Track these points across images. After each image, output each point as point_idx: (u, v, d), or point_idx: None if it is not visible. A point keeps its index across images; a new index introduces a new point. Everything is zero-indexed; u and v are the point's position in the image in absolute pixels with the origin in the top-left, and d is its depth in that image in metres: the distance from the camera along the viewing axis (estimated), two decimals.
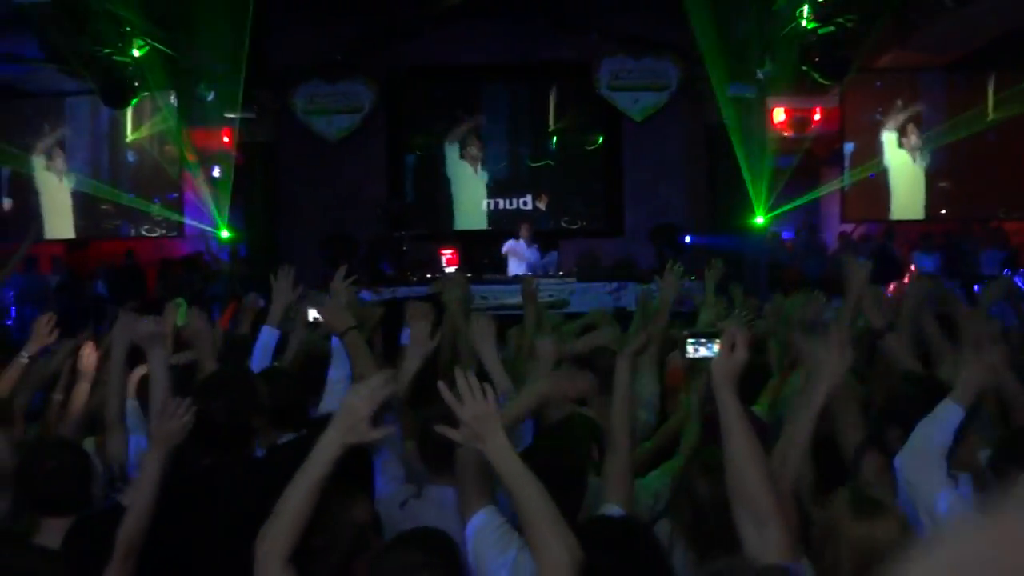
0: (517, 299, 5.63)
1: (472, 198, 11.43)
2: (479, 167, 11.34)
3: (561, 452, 2.17)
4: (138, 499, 2.07)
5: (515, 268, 9.22)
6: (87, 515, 2.22)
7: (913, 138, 11.01)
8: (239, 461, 2.23)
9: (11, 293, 9.39)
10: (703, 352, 1.77)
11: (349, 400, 1.76)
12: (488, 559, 1.86)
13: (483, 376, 2.92)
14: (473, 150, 11.23)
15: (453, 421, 1.78)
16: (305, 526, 1.70)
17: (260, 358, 3.04)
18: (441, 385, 1.81)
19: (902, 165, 11.15)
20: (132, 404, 2.83)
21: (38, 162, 11.16)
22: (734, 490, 1.68)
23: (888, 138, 11.09)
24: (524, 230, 9.44)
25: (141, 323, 2.54)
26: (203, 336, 2.91)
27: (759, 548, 1.63)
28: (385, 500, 2.36)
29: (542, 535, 1.63)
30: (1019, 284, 6.62)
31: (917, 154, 11.08)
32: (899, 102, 11.02)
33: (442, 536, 1.75)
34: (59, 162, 11.15)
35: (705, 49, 9.65)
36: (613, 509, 2.10)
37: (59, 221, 11.21)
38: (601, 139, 11.50)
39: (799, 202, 10.93)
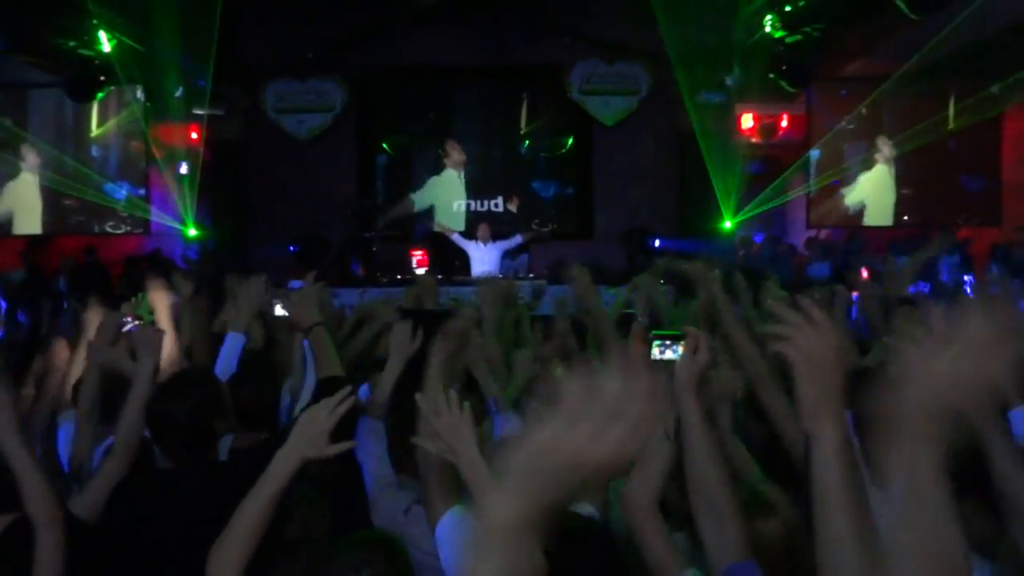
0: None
1: (446, 200, 11.40)
2: (461, 170, 11.26)
3: None
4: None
5: (478, 269, 9.23)
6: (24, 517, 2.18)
7: (885, 149, 11.26)
8: (200, 465, 2.22)
9: None
10: (668, 355, 1.79)
11: (310, 413, 1.77)
12: (460, 559, 1.88)
13: (472, 384, 2.94)
14: (455, 153, 11.17)
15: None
16: (259, 540, 1.68)
17: (225, 363, 3.00)
18: (419, 396, 1.83)
19: (873, 173, 11.41)
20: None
21: (29, 156, 10.94)
22: (696, 491, 1.71)
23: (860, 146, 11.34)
24: (482, 230, 9.47)
25: (143, 330, 2.52)
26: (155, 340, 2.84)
27: (720, 547, 1.67)
28: (383, 509, 2.32)
29: None
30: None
31: (890, 163, 11.35)
32: (863, 110, 11.24)
33: (386, 536, 1.77)
34: (30, 157, 10.93)
35: (675, 55, 9.78)
36: (585, 508, 2.13)
37: (27, 217, 11.00)
38: (572, 142, 11.56)
39: (765, 207, 11.10)
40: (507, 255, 10.07)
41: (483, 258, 9.33)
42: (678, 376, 1.75)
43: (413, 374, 2.79)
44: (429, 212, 10.70)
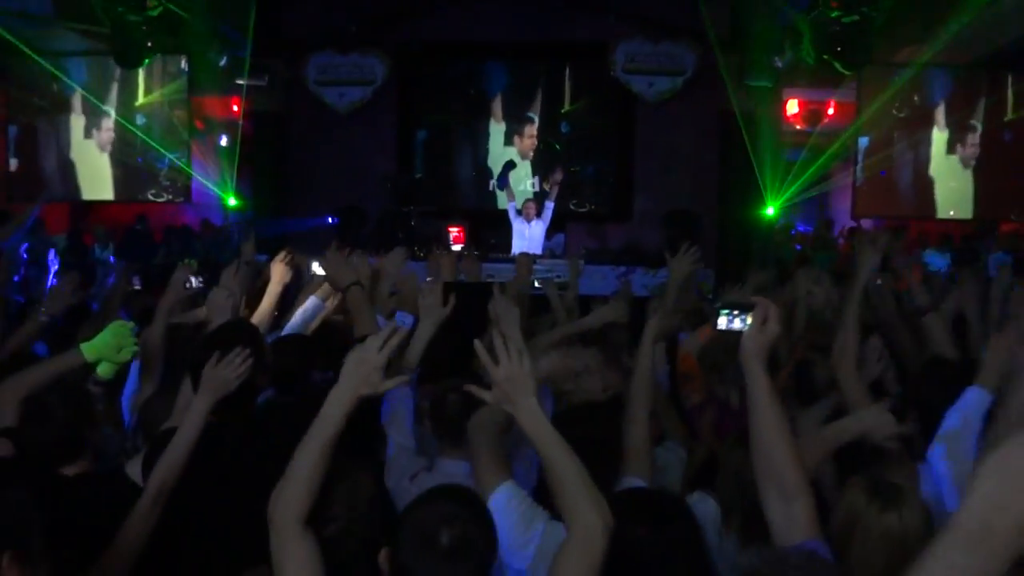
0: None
1: (483, 177, 11.36)
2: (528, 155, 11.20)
3: (592, 422, 2.15)
4: (178, 443, 2.05)
5: (518, 247, 9.23)
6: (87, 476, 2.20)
7: (969, 147, 10.89)
8: (243, 419, 2.20)
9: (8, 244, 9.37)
10: (736, 324, 1.71)
11: (359, 352, 1.72)
12: (515, 534, 1.84)
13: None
14: (529, 140, 11.12)
15: (470, 395, 1.78)
16: (320, 486, 1.65)
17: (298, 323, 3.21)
18: (478, 344, 1.77)
19: (943, 165, 11.05)
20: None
21: (76, 123, 11.08)
22: (761, 466, 1.64)
23: (937, 138, 10.95)
24: (527, 209, 9.45)
25: (216, 292, 2.67)
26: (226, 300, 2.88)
27: (786, 525, 1.60)
28: (395, 472, 2.33)
29: (574, 499, 1.60)
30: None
31: (966, 159, 10.98)
32: (916, 98, 10.91)
33: (469, 490, 1.73)
34: (107, 136, 11.09)
35: (722, 36, 9.57)
36: (634, 481, 2.07)
37: (97, 183, 11.20)
38: (613, 122, 11.41)
39: (809, 194, 10.87)
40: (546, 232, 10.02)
41: (527, 235, 9.34)
42: (745, 346, 1.69)
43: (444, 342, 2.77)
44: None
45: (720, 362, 3.07)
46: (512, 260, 8.32)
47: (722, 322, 1.73)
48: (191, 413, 2.09)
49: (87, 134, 11.18)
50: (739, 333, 1.69)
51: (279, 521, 1.62)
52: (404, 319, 3.04)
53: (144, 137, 10.95)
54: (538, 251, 8.97)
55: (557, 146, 11.40)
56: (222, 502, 2.05)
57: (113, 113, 11.05)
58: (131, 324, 2.60)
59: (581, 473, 1.63)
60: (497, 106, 11.43)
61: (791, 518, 1.59)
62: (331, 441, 1.65)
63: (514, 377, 1.69)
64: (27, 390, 2.32)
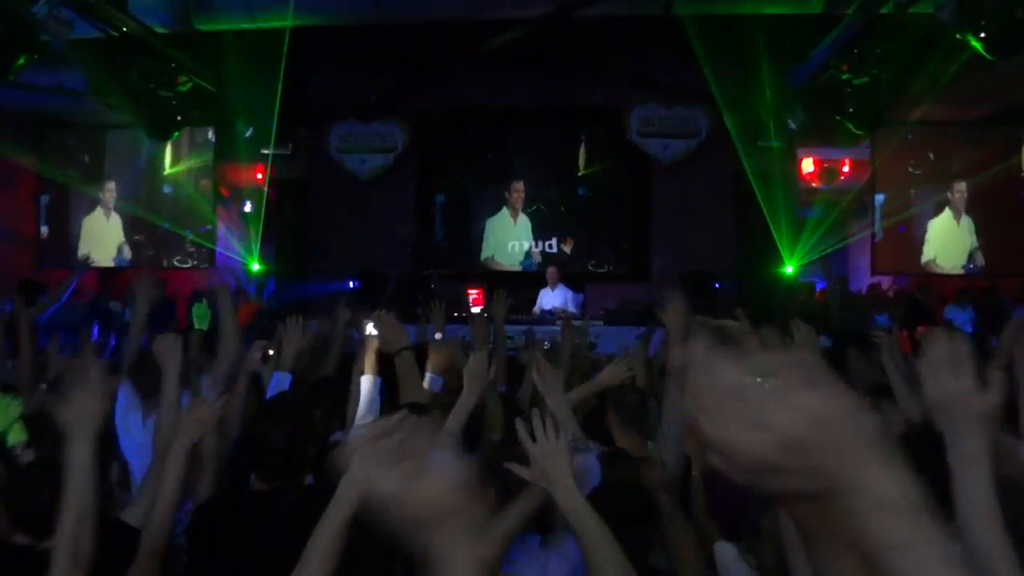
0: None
1: (503, 239, 11.50)
2: (519, 211, 11.41)
3: (630, 491, 2.14)
4: (162, 501, 2.00)
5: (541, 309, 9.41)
6: None
7: (958, 195, 11.00)
8: (294, 489, 2.21)
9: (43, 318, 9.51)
10: None
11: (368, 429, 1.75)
12: None
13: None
14: (516, 194, 11.35)
15: (525, 460, 1.79)
16: (335, 569, 1.63)
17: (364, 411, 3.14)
18: (518, 421, 1.80)
19: (942, 218, 11.13)
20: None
21: (106, 192, 11.42)
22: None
23: (952, 193, 11.07)
24: (550, 275, 9.61)
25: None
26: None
27: None
28: None
29: None
30: None
31: (961, 214, 11.06)
32: (930, 155, 11.02)
33: None
34: (109, 196, 11.41)
35: (734, 99, 9.76)
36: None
37: (123, 250, 11.48)
38: (629, 185, 11.57)
39: (827, 250, 10.89)
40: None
41: (551, 303, 9.50)
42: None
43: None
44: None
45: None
46: (532, 320, 8.42)
47: None
48: (169, 468, 2.04)
49: (115, 204, 11.46)
50: None
51: None
52: (436, 381, 3.05)
53: (170, 206, 11.21)
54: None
55: (562, 208, 11.55)
56: (270, 573, 2.05)
57: (141, 183, 11.35)
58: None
59: (614, 552, 1.64)
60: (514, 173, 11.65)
61: None
62: (344, 524, 1.63)
63: (551, 454, 1.71)
64: None
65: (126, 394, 3.17)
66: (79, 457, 1.77)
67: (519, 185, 11.38)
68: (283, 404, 2.36)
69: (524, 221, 11.45)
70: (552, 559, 1.97)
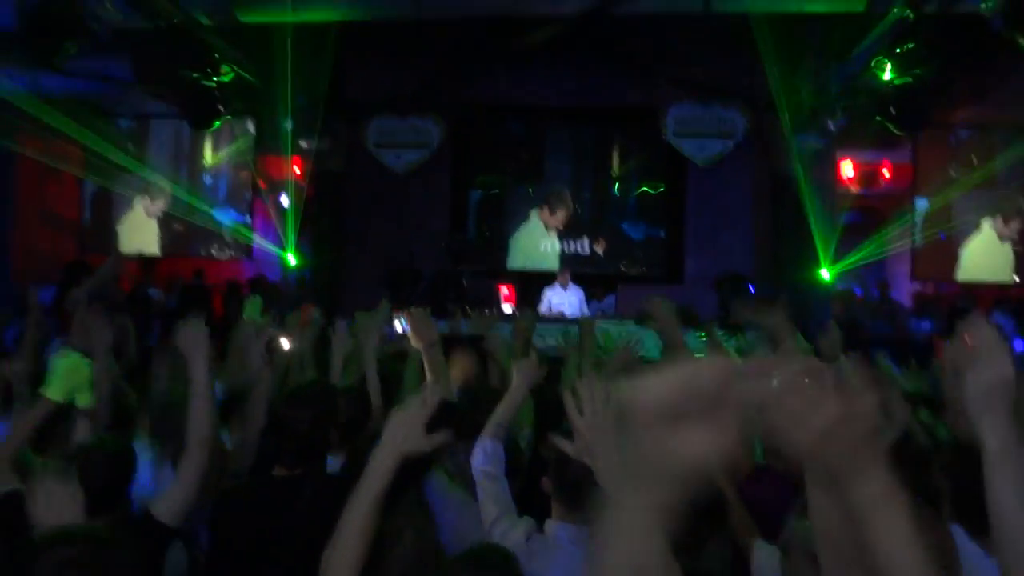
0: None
1: (533, 241, 11.49)
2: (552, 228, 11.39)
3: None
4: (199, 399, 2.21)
5: (558, 310, 9.47)
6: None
7: (1013, 226, 10.70)
8: (315, 474, 2.25)
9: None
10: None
11: (401, 412, 1.76)
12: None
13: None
14: (554, 220, 11.30)
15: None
16: (370, 543, 1.65)
17: None
18: (566, 394, 1.74)
19: (986, 237, 10.86)
20: None
21: (148, 181, 11.62)
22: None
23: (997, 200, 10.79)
24: (561, 276, 9.68)
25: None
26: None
27: None
28: (497, 534, 2.20)
29: None
30: None
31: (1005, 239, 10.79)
32: (974, 159, 10.76)
33: (501, 553, 1.71)
34: (156, 207, 11.64)
35: (776, 98, 9.62)
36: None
37: (163, 239, 11.74)
38: (664, 185, 11.48)
39: (867, 258, 10.69)
40: (593, 296, 10.10)
41: (561, 302, 9.51)
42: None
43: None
44: None
45: None
46: (551, 320, 8.44)
47: None
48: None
49: (157, 192, 11.69)
50: None
51: None
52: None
53: (209, 196, 11.41)
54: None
55: (578, 208, 11.48)
56: (288, 558, 2.07)
57: (182, 172, 11.57)
58: (74, 352, 2.54)
59: (648, 546, 1.59)
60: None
61: None
62: (378, 498, 1.65)
63: (596, 426, 1.64)
64: (13, 451, 2.31)
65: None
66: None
67: (560, 214, 11.27)
68: (307, 390, 2.40)
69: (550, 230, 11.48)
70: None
